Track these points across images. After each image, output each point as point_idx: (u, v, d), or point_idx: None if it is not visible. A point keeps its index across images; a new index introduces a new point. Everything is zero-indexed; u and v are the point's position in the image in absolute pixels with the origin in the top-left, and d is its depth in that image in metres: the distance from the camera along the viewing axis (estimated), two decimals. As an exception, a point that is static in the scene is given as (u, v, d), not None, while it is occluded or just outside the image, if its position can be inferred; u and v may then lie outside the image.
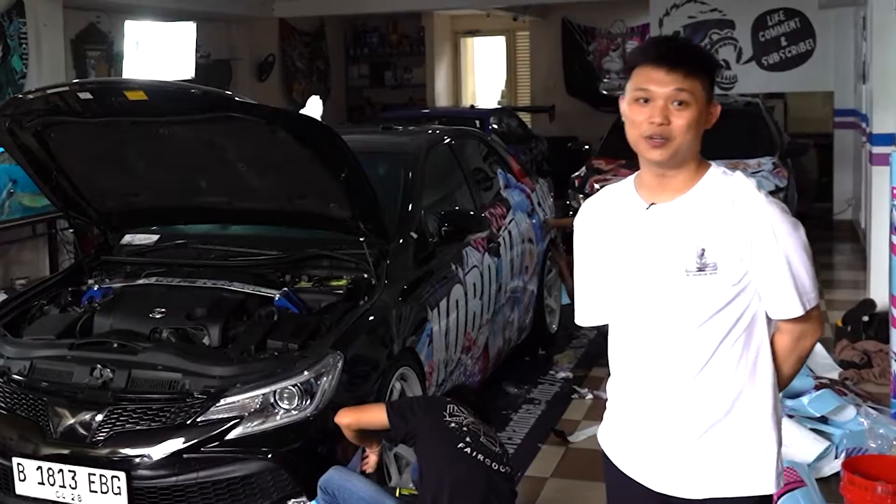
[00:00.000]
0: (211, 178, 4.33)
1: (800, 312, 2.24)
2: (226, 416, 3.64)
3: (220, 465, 3.61)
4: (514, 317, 5.82)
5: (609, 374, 2.45)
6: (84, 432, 3.66)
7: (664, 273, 2.25)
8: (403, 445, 3.77)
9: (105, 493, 3.61)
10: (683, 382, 2.26)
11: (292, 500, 3.65)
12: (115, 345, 3.93)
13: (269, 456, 3.63)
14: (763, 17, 11.34)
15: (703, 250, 2.20)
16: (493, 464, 3.54)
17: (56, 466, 3.66)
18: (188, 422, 3.63)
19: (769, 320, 2.28)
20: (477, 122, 10.30)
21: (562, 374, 6.02)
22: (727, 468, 2.26)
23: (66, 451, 3.67)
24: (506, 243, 5.70)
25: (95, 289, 4.47)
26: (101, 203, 4.61)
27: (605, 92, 15.12)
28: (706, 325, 2.22)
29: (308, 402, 3.68)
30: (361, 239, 4.29)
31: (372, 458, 3.76)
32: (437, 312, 4.62)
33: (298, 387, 3.68)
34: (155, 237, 4.84)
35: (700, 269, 2.20)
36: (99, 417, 3.67)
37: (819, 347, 5.60)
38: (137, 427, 3.65)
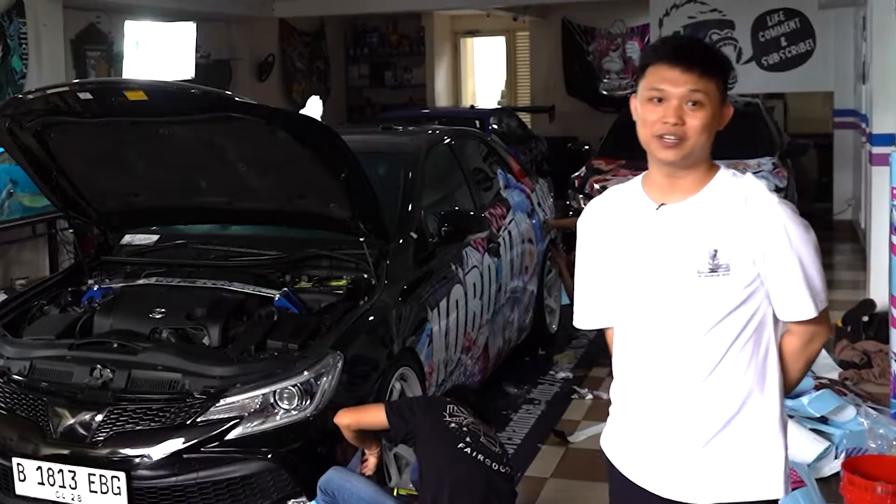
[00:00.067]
0: (211, 179, 4.33)
1: (813, 314, 2.23)
2: (226, 416, 3.64)
3: (219, 465, 3.61)
4: (514, 317, 5.82)
5: (611, 377, 2.43)
6: (84, 432, 3.66)
7: (675, 274, 2.21)
8: (403, 445, 3.76)
9: (105, 493, 3.61)
10: (692, 386, 2.23)
11: (292, 500, 3.65)
12: (115, 345, 3.93)
13: (269, 456, 3.63)
14: (763, 18, 11.34)
15: (716, 251, 2.17)
16: (493, 464, 3.54)
17: (56, 466, 3.66)
18: (188, 422, 3.63)
19: (776, 323, 2.26)
20: (477, 122, 10.31)
21: (562, 375, 6.02)
22: (735, 473, 2.23)
23: (65, 452, 3.67)
24: (506, 243, 5.70)
25: (95, 289, 4.47)
26: (101, 203, 4.61)
27: (605, 92, 15.14)
28: (717, 327, 2.19)
29: (308, 402, 3.68)
30: (361, 239, 4.29)
31: (371, 461, 3.76)
32: (437, 312, 4.62)
33: (298, 387, 3.68)
34: (155, 237, 4.84)
35: (712, 271, 2.17)
36: (99, 417, 3.67)
37: (819, 347, 5.59)
38: (137, 427, 3.65)
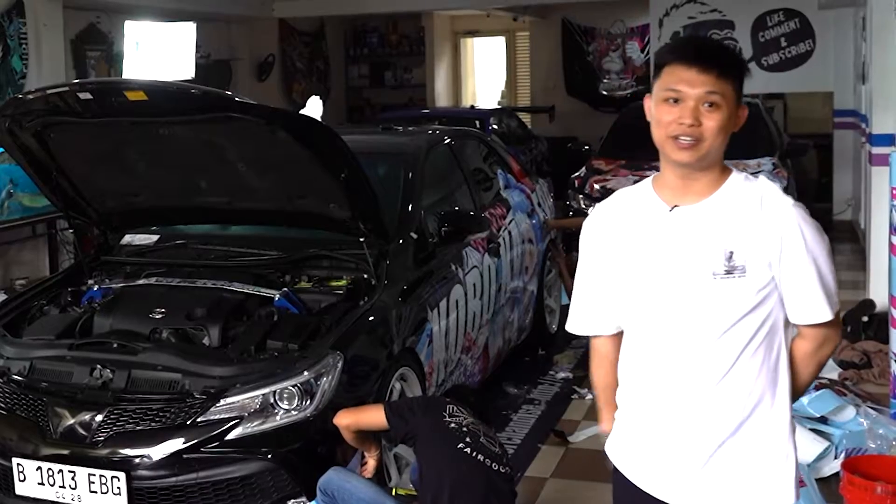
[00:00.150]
0: (211, 179, 4.33)
1: (829, 316, 2.21)
2: (226, 416, 3.64)
3: (219, 465, 3.61)
4: (514, 317, 5.82)
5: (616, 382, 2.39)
6: (84, 432, 3.66)
7: (690, 276, 2.18)
8: (403, 445, 3.77)
9: (105, 493, 3.61)
10: (703, 391, 2.20)
11: (292, 500, 3.65)
12: (115, 345, 3.92)
13: (269, 456, 3.63)
14: (763, 18, 11.35)
15: (732, 253, 2.15)
16: (493, 464, 3.54)
17: (56, 467, 3.66)
18: (188, 422, 3.63)
19: (787, 327, 2.23)
20: (477, 122, 10.31)
21: (562, 375, 6.02)
22: (746, 479, 2.21)
23: (65, 452, 3.67)
24: (506, 244, 5.70)
25: (95, 289, 4.47)
26: (101, 203, 4.61)
27: (604, 92, 15.15)
28: (730, 331, 2.17)
29: (308, 402, 3.68)
30: (361, 239, 4.29)
31: (371, 464, 3.76)
32: (437, 313, 4.62)
33: (298, 387, 3.68)
34: (155, 237, 4.84)
35: (728, 272, 2.15)
36: (99, 418, 3.67)
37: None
38: (137, 427, 3.65)
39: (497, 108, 13.42)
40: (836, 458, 4.37)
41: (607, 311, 2.37)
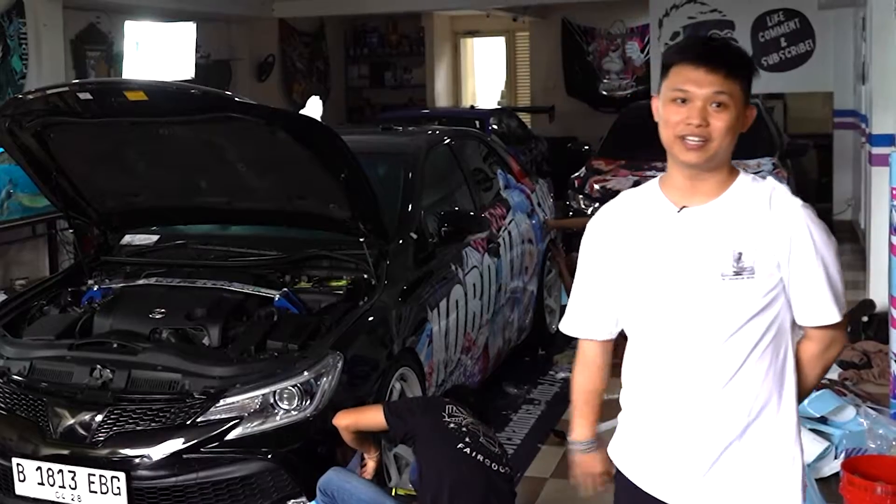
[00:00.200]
0: (211, 179, 4.33)
1: (837, 318, 2.20)
2: (225, 416, 3.64)
3: (219, 465, 3.61)
4: (514, 317, 5.82)
5: (620, 385, 2.38)
6: (84, 433, 3.66)
7: (698, 277, 2.17)
8: (403, 446, 3.77)
9: (105, 493, 3.61)
10: (710, 393, 2.18)
11: (292, 500, 3.65)
12: (115, 345, 3.92)
13: (269, 456, 3.63)
14: (763, 18, 11.34)
15: (740, 254, 2.14)
16: (493, 464, 3.54)
17: (56, 467, 3.66)
18: (188, 422, 3.63)
19: (793, 329, 2.22)
20: (477, 122, 10.31)
21: (561, 375, 6.01)
22: (753, 481, 2.20)
23: (65, 452, 3.67)
24: (506, 244, 5.70)
25: (95, 289, 4.47)
26: (101, 203, 4.61)
27: (604, 92, 15.15)
28: (738, 333, 2.16)
29: (308, 402, 3.68)
30: (361, 239, 4.29)
31: (370, 465, 3.75)
32: (437, 313, 4.62)
33: (298, 387, 3.68)
34: (155, 237, 4.84)
35: (737, 273, 2.14)
36: (99, 418, 3.67)
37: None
38: (137, 427, 3.65)
39: (497, 109, 13.41)
40: (836, 458, 4.36)
41: (604, 315, 2.36)
